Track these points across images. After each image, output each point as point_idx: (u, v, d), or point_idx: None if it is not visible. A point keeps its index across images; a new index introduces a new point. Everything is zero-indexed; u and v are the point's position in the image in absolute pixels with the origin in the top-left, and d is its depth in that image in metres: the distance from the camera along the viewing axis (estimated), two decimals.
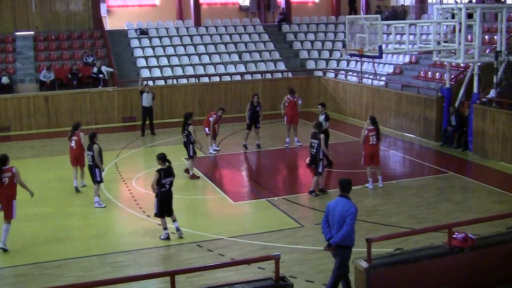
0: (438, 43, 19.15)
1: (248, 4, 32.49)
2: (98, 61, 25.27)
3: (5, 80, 23.64)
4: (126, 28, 28.69)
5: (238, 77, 26.49)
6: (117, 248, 12.13)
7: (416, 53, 23.71)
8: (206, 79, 26.14)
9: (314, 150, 14.81)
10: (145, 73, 25.34)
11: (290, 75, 27.41)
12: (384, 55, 20.49)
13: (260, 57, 28.12)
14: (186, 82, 25.82)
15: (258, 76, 26.82)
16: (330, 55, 28.74)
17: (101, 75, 24.61)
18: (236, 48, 28.34)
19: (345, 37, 23.52)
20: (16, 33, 26.54)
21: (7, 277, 10.96)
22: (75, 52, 26.38)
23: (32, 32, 26.72)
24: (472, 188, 15.76)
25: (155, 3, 31.66)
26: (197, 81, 25.98)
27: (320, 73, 27.35)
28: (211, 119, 18.72)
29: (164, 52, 27.34)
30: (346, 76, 26.19)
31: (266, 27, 30.52)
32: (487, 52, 19.99)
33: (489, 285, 8.95)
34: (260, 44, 28.97)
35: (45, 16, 27.14)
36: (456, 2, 22.62)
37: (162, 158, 12.22)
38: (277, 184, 16.78)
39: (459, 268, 8.76)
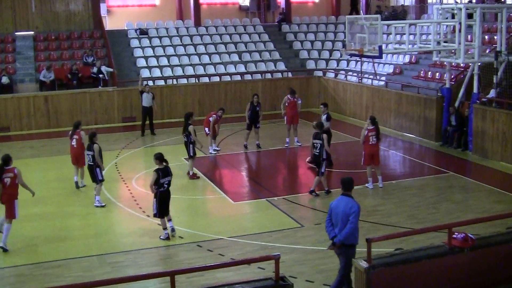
0: (438, 43, 19.15)
1: (248, 4, 32.48)
2: (98, 61, 25.27)
3: (5, 80, 23.64)
4: (126, 28, 28.69)
5: (238, 77, 26.49)
6: (117, 248, 12.13)
7: (416, 53, 23.72)
8: (206, 79, 26.14)
9: (317, 151, 14.81)
10: (145, 73, 25.34)
11: (290, 75, 27.41)
12: (384, 55, 20.48)
13: (260, 57, 28.12)
14: (186, 82, 25.82)
15: (258, 76, 26.82)
16: (330, 55, 28.75)
17: (101, 75, 24.61)
18: (236, 48, 28.34)
19: (345, 37, 23.52)
20: (16, 33, 26.54)
21: (7, 277, 10.97)
22: (75, 52, 26.39)
23: (32, 32, 26.73)
24: (472, 188, 15.76)
25: (155, 3, 31.65)
26: (197, 81, 25.98)
27: (320, 73, 27.35)
28: (211, 119, 18.72)
29: (164, 52, 27.34)
30: (346, 76, 26.19)
31: (266, 27, 30.52)
32: (487, 52, 19.99)
33: (489, 285, 8.95)
34: (260, 44, 28.98)
35: (45, 16, 27.14)
36: (456, 2, 22.63)
37: (159, 158, 12.23)
38: (277, 184, 16.78)
39: (459, 268, 8.76)
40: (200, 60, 27.21)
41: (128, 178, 16.76)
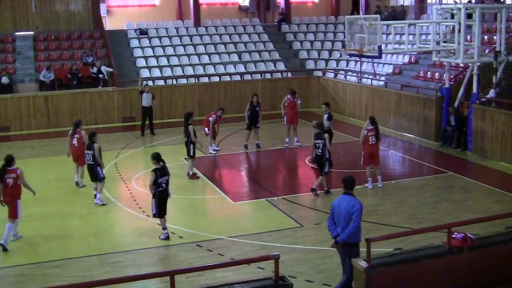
0: (438, 43, 19.16)
1: (247, 4, 32.50)
2: (97, 61, 25.27)
3: (5, 80, 23.65)
4: (125, 28, 28.70)
5: (238, 77, 26.50)
6: (116, 248, 12.14)
7: (415, 53, 23.73)
8: (205, 79, 26.15)
9: (320, 150, 14.81)
10: (144, 73, 25.35)
11: (289, 75, 27.41)
12: (383, 55, 20.51)
13: (260, 57, 28.13)
14: (185, 82, 25.84)
15: (258, 76, 26.84)
16: (330, 55, 28.76)
17: (100, 75, 24.62)
18: (235, 48, 28.35)
19: (344, 37, 23.53)
20: (16, 33, 26.54)
21: (7, 277, 10.97)
22: (75, 52, 26.39)
23: (32, 32, 26.73)
24: (472, 188, 15.78)
25: (154, 3, 31.67)
26: (196, 81, 25.99)
27: (319, 73, 27.37)
28: (210, 119, 18.73)
29: (164, 52, 27.35)
30: (345, 76, 26.21)
31: (265, 27, 30.53)
32: (486, 52, 20.00)
33: (489, 285, 8.95)
34: (260, 44, 28.98)
35: (45, 16, 27.15)
36: (456, 2, 22.66)
37: (156, 157, 12.25)
38: (276, 184, 16.79)
39: (459, 268, 8.77)
40: (199, 60, 27.22)
41: (127, 178, 16.78)
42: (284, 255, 10.97)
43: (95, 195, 14.76)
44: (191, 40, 28.41)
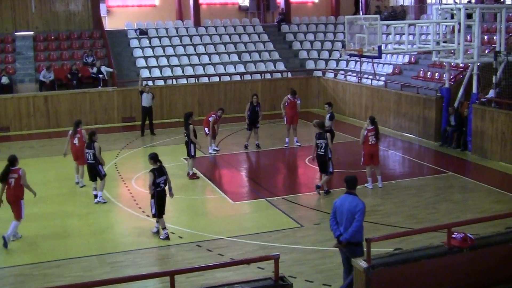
0: (438, 43, 19.16)
1: (247, 4, 32.50)
2: (97, 61, 25.28)
3: (4, 80, 23.66)
4: (125, 28, 28.71)
5: (238, 77, 26.51)
6: (116, 248, 12.14)
7: (415, 53, 23.73)
8: (205, 79, 26.15)
9: (322, 150, 14.81)
10: (144, 73, 25.35)
11: (289, 75, 27.42)
12: (383, 55, 20.52)
13: (260, 57, 28.13)
14: (185, 82, 25.84)
15: (258, 76, 26.84)
16: (330, 55, 28.77)
17: (100, 75, 24.63)
18: (235, 48, 28.36)
19: (344, 37, 23.54)
20: (16, 33, 26.55)
21: (7, 277, 10.98)
22: (74, 52, 26.40)
23: (32, 32, 26.73)
24: (471, 188, 15.79)
25: (154, 3, 31.67)
26: (196, 81, 25.99)
27: (319, 73, 27.37)
28: (210, 119, 18.74)
29: (164, 52, 27.35)
30: (345, 76, 26.21)
31: (265, 27, 30.54)
32: (486, 52, 20.00)
33: (488, 285, 8.95)
34: (260, 44, 28.99)
35: (45, 16, 27.15)
36: (455, 3, 22.66)
37: (153, 157, 12.27)
38: (276, 184, 16.80)
39: (458, 268, 8.77)
40: (199, 60, 27.22)
41: (127, 178, 16.78)
42: (284, 255, 10.97)
43: (95, 195, 14.77)
44: (191, 40, 28.42)
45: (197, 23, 29.75)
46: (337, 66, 27.87)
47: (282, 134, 20.85)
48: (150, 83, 24.48)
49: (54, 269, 11.16)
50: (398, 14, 27.95)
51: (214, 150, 19.32)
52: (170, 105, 24.99)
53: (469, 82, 19.45)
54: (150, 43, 27.75)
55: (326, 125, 16.12)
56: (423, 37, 23.29)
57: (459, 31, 18.07)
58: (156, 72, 26.11)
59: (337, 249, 9.57)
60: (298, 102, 20.21)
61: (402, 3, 31.50)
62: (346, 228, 9.07)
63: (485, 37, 21.78)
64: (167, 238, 12.33)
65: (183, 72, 26.38)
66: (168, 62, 26.80)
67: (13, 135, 23.00)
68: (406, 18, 27.49)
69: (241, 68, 27.17)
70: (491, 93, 18.45)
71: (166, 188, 12.38)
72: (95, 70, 24.80)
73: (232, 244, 12.18)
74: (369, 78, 24.47)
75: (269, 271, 9.47)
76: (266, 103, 24.78)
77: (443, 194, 15.23)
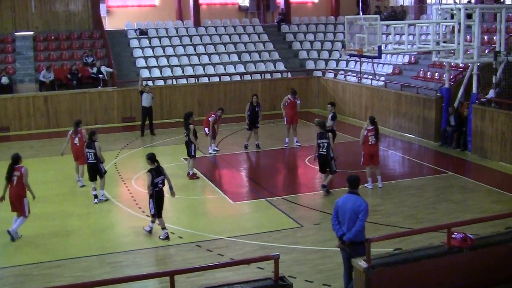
0: (437, 43, 19.16)
1: (247, 5, 32.52)
2: (97, 61, 25.29)
3: (4, 80, 23.66)
4: (125, 28, 28.71)
5: (238, 78, 26.51)
6: (116, 248, 12.15)
7: (415, 53, 23.73)
8: (205, 79, 26.16)
9: (324, 150, 14.82)
10: (144, 73, 25.35)
11: (289, 75, 27.43)
12: (383, 55, 20.51)
13: (260, 57, 28.14)
14: (185, 82, 25.85)
15: (258, 76, 26.85)
16: (329, 55, 28.77)
17: (100, 75, 24.64)
18: (235, 49, 28.36)
19: (344, 37, 23.54)
20: (16, 33, 26.55)
21: (7, 277, 10.98)
22: (74, 52, 26.40)
23: (32, 33, 26.74)
24: (471, 188, 15.78)
25: (154, 3, 31.68)
26: (196, 81, 25.99)
27: (319, 73, 27.38)
28: (210, 119, 18.74)
29: (164, 53, 27.36)
30: (345, 76, 26.21)
31: (265, 28, 30.54)
32: (486, 52, 20.00)
33: (488, 285, 8.95)
34: (260, 44, 28.99)
35: (45, 16, 27.16)
36: (455, 3, 22.63)
37: (151, 158, 12.30)
38: (276, 184, 16.80)
39: (458, 268, 8.77)
40: (199, 60, 27.23)
41: (127, 178, 16.78)
42: (284, 255, 10.97)
43: (95, 195, 14.77)
44: (191, 40, 28.42)
45: (197, 23, 29.75)
46: (337, 66, 27.87)
47: (282, 134, 20.85)
48: (150, 83, 24.48)
49: (54, 269, 11.17)
50: (398, 14, 27.95)
51: (214, 150, 19.32)
52: (170, 105, 25.00)
53: (469, 82, 19.45)
54: (150, 43, 27.75)
55: (328, 125, 16.15)
56: (423, 37, 23.29)
57: (459, 31, 18.07)
58: (156, 72, 26.12)
59: (338, 249, 9.57)
60: (298, 102, 20.22)
61: (402, 3, 31.51)
62: (349, 227, 9.06)
63: (485, 37, 21.78)
64: (167, 238, 12.34)
65: (183, 72, 26.39)
66: (168, 62, 26.81)
67: (13, 135, 23.00)
68: (406, 18, 27.49)
69: (241, 68, 27.18)
70: (491, 93, 18.45)
71: (164, 188, 12.40)
72: (95, 70, 24.80)
73: (232, 244, 12.18)
74: (369, 78, 24.47)
75: (269, 271, 9.47)
76: (266, 103, 24.78)
77: (443, 194, 15.23)
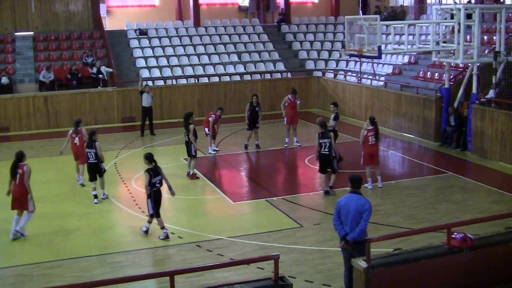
0: (437, 43, 19.17)
1: (247, 5, 32.51)
2: (97, 61, 25.28)
3: (4, 80, 23.66)
4: (125, 28, 28.71)
5: (237, 78, 26.51)
6: (116, 248, 12.15)
7: (415, 53, 23.74)
8: (205, 80, 26.16)
9: (326, 150, 14.82)
10: (144, 73, 25.33)
11: (289, 75, 27.43)
12: (383, 56, 20.51)
13: (259, 58, 28.14)
14: (185, 82, 25.85)
15: (257, 77, 26.85)
16: (329, 56, 28.77)
17: (100, 76, 24.63)
18: (235, 49, 28.36)
19: (344, 37, 23.54)
20: (16, 34, 26.55)
21: (7, 277, 10.98)
22: (74, 52, 26.40)
23: (32, 33, 26.74)
24: (471, 188, 15.79)
25: (154, 3, 31.68)
26: (196, 81, 26.00)
27: (319, 74, 27.38)
28: (210, 119, 18.74)
29: (164, 53, 27.35)
30: (345, 77, 26.22)
31: (265, 28, 30.54)
32: (486, 52, 20.00)
33: (488, 285, 8.96)
34: (259, 44, 28.99)
35: (45, 16, 27.15)
36: (455, 3, 22.65)
37: (148, 157, 12.33)
38: (276, 184, 16.79)
39: (458, 268, 8.77)
40: (199, 61, 27.23)
41: (127, 178, 16.78)
42: (284, 255, 10.97)
43: (94, 195, 14.77)
44: (191, 41, 28.42)
45: (197, 23, 29.75)
46: (337, 66, 27.87)
47: (282, 134, 20.85)
48: (150, 83, 24.48)
49: (54, 269, 11.17)
50: (398, 14, 27.95)
51: (214, 150, 19.32)
52: (170, 105, 25.00)
53: (469, 82, 19.46)
54: (150, 43, 27.75)
55: (330, 125, 16.22)
56: (423, 37, 23.30)
57: (458, 31, 18.08)
58: (156, 72, 26.12)
59: (338, 248, 9.56)
60: (298, 102, 20.22)
61: (402, 3, 31.51)
62: (352, 227, 9.04)
63: (485, 37, 21.78)
64: (167, 237, 12.34)
65: (183, 72, 26.38)
66: (168, 62, 26.81)
67: (13, 135, 23.00)
68: (406, 18, 27.50)
69: (241, 68, 27.18)
70: (491, 93, 18.46)
71: (162, 188, 12.41)
72: (95, 70, 24.80)
73: (232, 244, 12.18)
74: (369, 78, 24.48)
75: (269, 271, 9.47)
76: (266, 103, 24.78)
77: (443, 194, 15.23)
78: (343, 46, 21.44)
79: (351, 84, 25.26)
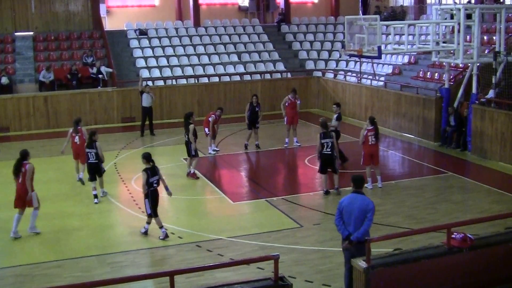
0: (437, 43, 19.17)
1: (247, 5, 32.51)
2: (97, 61, 25.29)
3: (4, 80, 23.66)
4: (125, 28, 28.71)
5: (237, 78, 26.51)
6: (116, 248, 12.15)
7: (415, 53, 23.74)
8: (205, 80, 26.16)
9: (329, 149, 14.82)
10: (144, 73, 25.34)
11: (289, 75, 27.43)
12: (383, 56, 20.51)
13: (259, 58, 28.14)
14: (185, 82, 25.85)
15: (257, 77, 26.85)
16: (329, 56, 28.77)
17: (100, 76, 24.64)
18: (235, 49, 28.36)
19: (344, 37, 23.54)
20: (16, 34, 26.56)
21: (7, 277, 10.98)
22: (74, 52, 26.40)
23: (32, 33, 26.74)
24: (471, 188, 15.79)
25: (154, 3, 31.68)
26: (196, 81, 25.99)
27: (319, 74, 27.38)
28: (210, 119, 18.74)
29: (163, 53, 27.36)
30: (345, 77, 26.22)
31: (265, 28, 30.54)
32: (485, 52, 20.00)
33: (488, 285, 8.96)
34: (259, 44, 28.99)
35: (45, 16, 27.16)
36: (455, 3, 22.66)
37: (146, 157, 12.35)
38: (276, 185, 16.79)
39: (458, 268, 8.77)
40: (199, 61, 27.23)
41: (127, 178, 16.78)
42: (284, 255, 10.97)
43: (94, 195, 14.77)
44: (191, 41, 28.42)
45: (196, 24, 29.75)
46: (336, 66, 27.87)
47: (282, 134, 20.85)
48: (150, 83, 24.48)
49: (54, 269, 11.17)
50: (398, 14, 27.96)
51: (214, 150, 19.32)
52: (169, 106, 25.00)
53: (469, 82, 19.46)
54: (149, 44, 27.75)
55: (332, 125, 16.29)
56: (422, 37, 23.30)
57: (458, 31, 18.08)
58: (156, 73, 26.12)
59: (337, 249, 9.56)
60: (298, 102, 20.22)
61: (402, 3, 31.51)
62: (356, 227, 9.03)
63: (485, 38, 21.78)
64: (166, 236, 12.35)
65: (182, 73, 26.39)
66: (168, 63, 26.81)
67: (12, 135, 23.00)
68: (405, 18, 27.51)
69: (240, 69, 27.18)
70: (491, 94, 18.46)
71: (160, 188, 12.40)
72: (94, 70, 24.80)
73: (232, 244, 12.18)
74: (368, 79, 24.48)
75: (269, 271, 9.48)
76: (265, 103, 24.77)
77: (443, 194, 15.23)
78: (343, 46, 21.43)
79: (351, 84, 25.26)
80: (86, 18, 27.78)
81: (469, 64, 19.36)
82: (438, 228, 10.94)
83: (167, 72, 26.22)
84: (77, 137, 15.90)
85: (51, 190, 15.88)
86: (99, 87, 24.54)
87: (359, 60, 24.53)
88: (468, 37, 19.47)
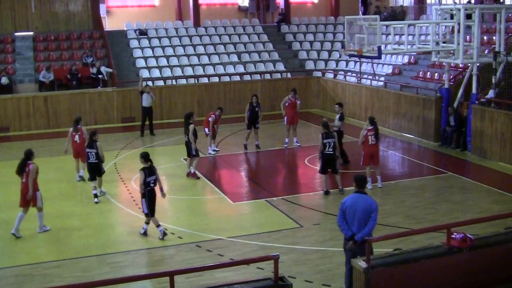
0: (437, 43, 19.17)
1: (247, 5, 32.51)
2: (97, 61, 25.29)
3: (4, 80, 23.66)
4: (125, 28, 28.71)
5: (237, 78, 26.51)
6: (116, 248, 12.15)
7: (415, 53, 23.74)
8: (205, 80, 26.16)
9: (331, 150, 14.81)
10: (144, 73, 25.33)
11: (289, 75, 27.43)
12: (383, 56, 20.50)
13: (259, 58, 28.14)
14: (185, 82, 25.86)
15: (257, 77, 26.85)
16: (329, 56, 28.77)
17: (100, 76, 24.64)
18: (235, 49, 28.36)
19: (344, 37, 23.55)
20: (16, 34, 26.56)
21: (7, 277, 10.98)
22: (74, 52, 26.40)
23: (32, 33, 26.75)
24: (471, 188, 15.79)
25: (154, 3, 31.68)
26: (196, 81, 26.00)
27: (319, 74, 27.38)
28: (210, 119, 18.75)
29: (163, 53, 27.36)
30: (345, 77, 26.22)
31: (265, 28, 30.54)
32: (485, 52, 20.01)
33: (488, 285, 8.96)
34: (259, 44, 28.99)
35: (45, 16, 27.16)
36: (455, 3, 22.67)
37: (144, 157, 12.35)
38: (276, 185, 16.79)
39: (458, 268, 8.77)
40: (199, 61, 27.23)
41: (127, 178, 16.78)
42: (284, 255, 10.97)
43: (95, 194, 14.78)
44: (191, 41, 28.42)
45: (196, 24, 29.75)
46: (336, 66, 27.87)
47: (282, 134, 20.85)
48: (150, 83, 24.48)
49: (54, 269, 11.17)
50: (398, 14, 27.96)
51: (213, 150, 19.32)
52: (169, 106, 25.00)
53: (469, 82, 19.46)
54: (149, 44, 27.76)
55: (335, 125, 16.33)
56: (422, 37, 23.30)
57: (458, 31, 18.08)
58: (156, 73, 26.12)
59: (337, 249, 9.56)
60: (298, 102, 20.22)
61: (402, 4, 31.52)
62: (360, 227, 9.02)
63: (485, 38, 21.78)
64: (164, 234, 12.35)
65: (182, 73, 26.39)
66: (168, 63, 26.81)
67: (12, 135, 23.00)
68: (405, 18, 27.51)
69: (240, 69, 27.18)
70: (491, 94, 18.46)
71: (156, 188, 12.42)
72: (94, 70, 24.81)
73: (232, 244, 12.18)
74: (368, 79, 24.48)
75: (269, 271, 9.48)
76: (265, 103, 24.77)
77: (443, 194, 15.23)
78: (343, 46, 21.44)
79: (351, 84, 25.26)
80: (86, 18, 27.79)
81: (469, 64, 19.36)
82: (438, 228, 10.95)
83: (167, 72, 26.23)
84: (77, 136, 15.97)
85: (51, 190, 15.86)
86: (99, 87, 24.54)
87: (359, 60, 24.52)
88: (468, 37, 19.47)
